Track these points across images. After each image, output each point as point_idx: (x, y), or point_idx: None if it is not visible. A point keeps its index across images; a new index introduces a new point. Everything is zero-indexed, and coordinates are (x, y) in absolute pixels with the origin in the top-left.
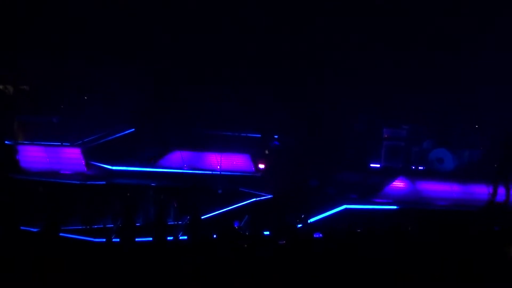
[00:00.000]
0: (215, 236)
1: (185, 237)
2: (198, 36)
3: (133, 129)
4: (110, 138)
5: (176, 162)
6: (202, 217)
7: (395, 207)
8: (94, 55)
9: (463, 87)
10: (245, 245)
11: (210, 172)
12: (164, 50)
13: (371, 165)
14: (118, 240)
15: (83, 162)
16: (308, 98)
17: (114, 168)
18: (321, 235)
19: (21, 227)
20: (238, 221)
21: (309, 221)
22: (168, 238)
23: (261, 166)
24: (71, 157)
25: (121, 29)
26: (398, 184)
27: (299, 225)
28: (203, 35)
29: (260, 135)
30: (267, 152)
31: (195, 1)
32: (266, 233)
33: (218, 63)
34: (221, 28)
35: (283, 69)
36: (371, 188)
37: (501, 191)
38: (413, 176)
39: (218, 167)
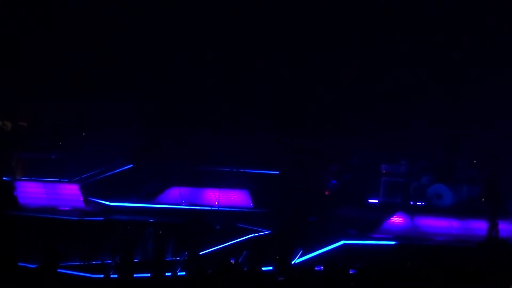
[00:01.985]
0: (212, 271)
1: (183, 273)
2: (195, 72)
3: (131, 165)
4: (108, 174)
5: (175, 198)
6: (200, 253)
7: (393, 242)
8: (92, 92)
9: (461, 123)
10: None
11: (209, 208)
12: (162, 87)
13: (370, 200)
14: (116, 276)
15: (81, 198)
16: (306, 134)
17: (112, 204)
18: (322, 268)
19: (19, 263)
20: (235, 257)
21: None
22: (166, 274)
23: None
24: (69, 193)
25: (120, 67)
26: (397, 219)
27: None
28: (201, 71)
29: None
30: (327, 192)
31: (193, 38)
32: (265, 268)
33: (215, 99)
34: (219, 63)
35: (281, 105)
36: (370, 223)
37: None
38: (411, 211)
39: (216, 203)
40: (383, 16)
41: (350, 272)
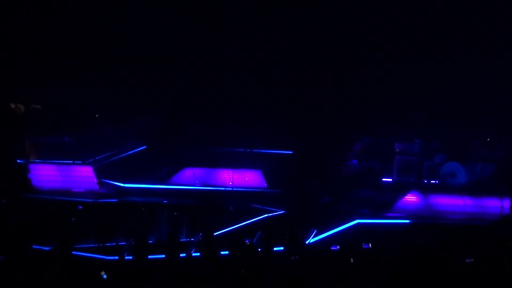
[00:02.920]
0: (227, 252)
1: (198, 254)
2: (208, 55)
3: (145, 147)
4: (122, 155)
5: (188, 179)
6: (215, 234)
7: (407, 221)
8: (106, 73)
9: (474, 101)
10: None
11: (223, 189)
12: (175, 69)
13: (384, 179)
14: (131, 257)
15: (95, 180)
16: (320, 113)
17: (126, 185)
18: (338, 247)
19: (34, 246)
20: (250, 238)
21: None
22: (181, 255)
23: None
24: (83, 175)
25: (132, 50)
26: (411, 198)
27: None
28: (213, 55)
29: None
30: (343, 170)
31: (205, 23)
32: (279, 249)
33: (228, 81)
34: (232, 48)
35: (294, 86)
36: (384, 202)
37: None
38: (425, 190)
39: (230, 183)
40: None
41: (364, 246)
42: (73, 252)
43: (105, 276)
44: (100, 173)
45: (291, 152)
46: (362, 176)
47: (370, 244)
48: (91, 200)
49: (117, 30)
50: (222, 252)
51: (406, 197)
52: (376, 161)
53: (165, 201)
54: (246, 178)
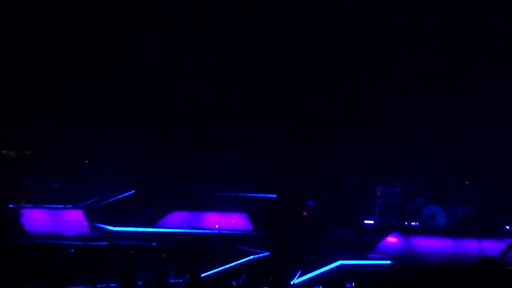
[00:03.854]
0: None
1: None
2: (193, 97)
3: (133, 191)
4: (112, 200)
5: (176, 222)
6: (202, 276)
7: (389, 262)
8: (95, 120)
9: (454, 144)
10: None
11: (209, 231)
12: (162, 113)
13: (365, 221)
14: None
15: (85, 223)
16: (302, 157)
17: (115, 229)
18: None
19: None
20: (236, 279)
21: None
22: None
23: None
24: (73, 219)
25: (121, 95)
26: (392, 240)
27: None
28: (199, 97)
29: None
30: (304, 213)
31: (189, 68)
32: None
33: (213, 125)
34: (219, 88)
35: (277, 130)
36: (366, 244)
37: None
38: (406, 232)
39: (217, 226)
40: (373, 34)
41: (347, 285)
42: None
43: None
44: (91, 216)
45: (276, 195)
46: (322, 214)
47: (353, 284)
48: (81, 243)
49: (101, 78)
50: None
51: (388, 238)
52: (329, 197)
53: (153, 244)
54: (232, 221)
